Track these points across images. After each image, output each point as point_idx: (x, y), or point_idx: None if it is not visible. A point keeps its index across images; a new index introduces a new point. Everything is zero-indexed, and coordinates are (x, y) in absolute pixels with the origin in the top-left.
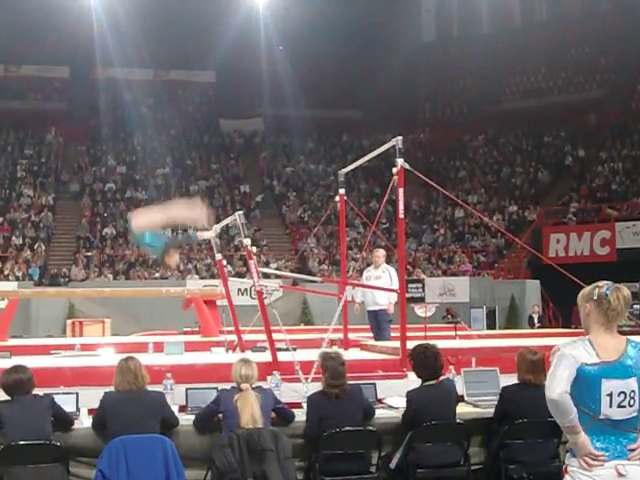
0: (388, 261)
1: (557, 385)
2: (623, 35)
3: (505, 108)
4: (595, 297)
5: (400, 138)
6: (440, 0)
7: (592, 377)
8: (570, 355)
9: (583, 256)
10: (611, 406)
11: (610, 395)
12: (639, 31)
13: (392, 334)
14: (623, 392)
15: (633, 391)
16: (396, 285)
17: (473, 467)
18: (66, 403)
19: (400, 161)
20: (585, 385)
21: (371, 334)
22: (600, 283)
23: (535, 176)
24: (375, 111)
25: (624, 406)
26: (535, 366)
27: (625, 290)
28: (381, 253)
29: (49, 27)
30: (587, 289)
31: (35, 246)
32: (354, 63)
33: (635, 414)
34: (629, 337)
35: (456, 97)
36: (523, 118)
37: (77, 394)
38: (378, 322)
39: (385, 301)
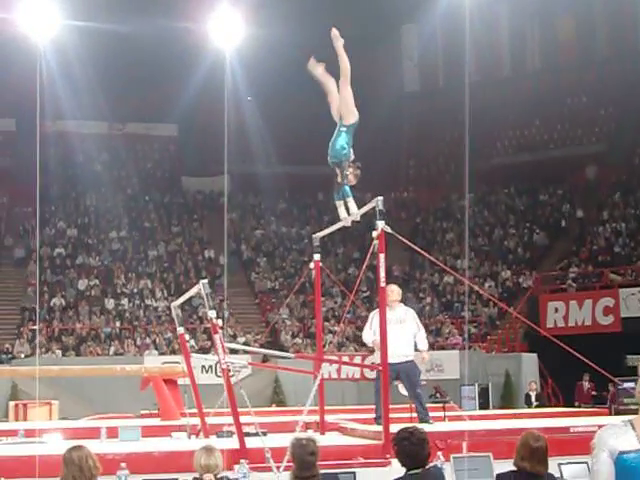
0: None
1: None
2: (624, 83)
3: (496, 164)
4: None
5: (381, 198)
6: (424, 48)
7: (631, 467)
8: (606, 446)
9: (584, 326)
10: None
11: None
12: None
13: (373, 415)
14: None
15: None
16: (423, 332)
17: None
18: None
19: (381, 223)
20: (624, 475)
21: (361, 415)
22: None
23: (530, 238)
24: None
25: None
26: (533, 454)
27: None
28: (396, 289)
29: None
30: None
31: None
32: (329, 115)
33: None
34: None
35: (442, 152)
36: (516, 175)
37: None
38: (409, 378)
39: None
